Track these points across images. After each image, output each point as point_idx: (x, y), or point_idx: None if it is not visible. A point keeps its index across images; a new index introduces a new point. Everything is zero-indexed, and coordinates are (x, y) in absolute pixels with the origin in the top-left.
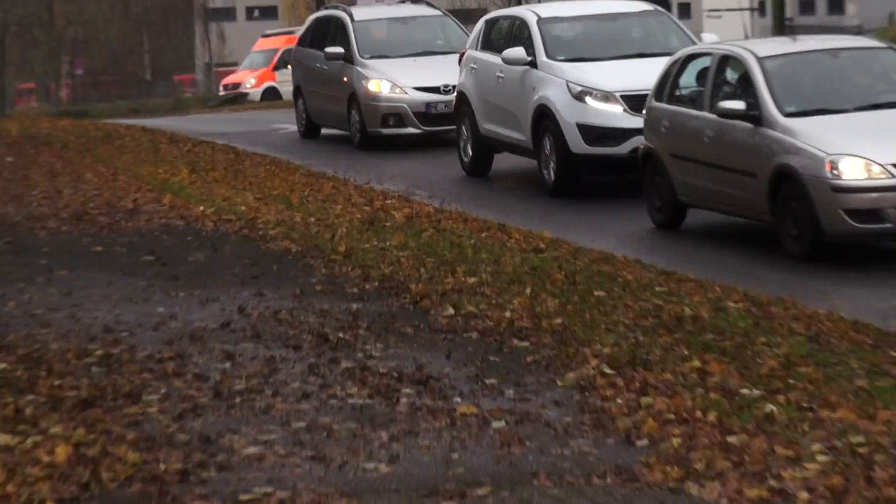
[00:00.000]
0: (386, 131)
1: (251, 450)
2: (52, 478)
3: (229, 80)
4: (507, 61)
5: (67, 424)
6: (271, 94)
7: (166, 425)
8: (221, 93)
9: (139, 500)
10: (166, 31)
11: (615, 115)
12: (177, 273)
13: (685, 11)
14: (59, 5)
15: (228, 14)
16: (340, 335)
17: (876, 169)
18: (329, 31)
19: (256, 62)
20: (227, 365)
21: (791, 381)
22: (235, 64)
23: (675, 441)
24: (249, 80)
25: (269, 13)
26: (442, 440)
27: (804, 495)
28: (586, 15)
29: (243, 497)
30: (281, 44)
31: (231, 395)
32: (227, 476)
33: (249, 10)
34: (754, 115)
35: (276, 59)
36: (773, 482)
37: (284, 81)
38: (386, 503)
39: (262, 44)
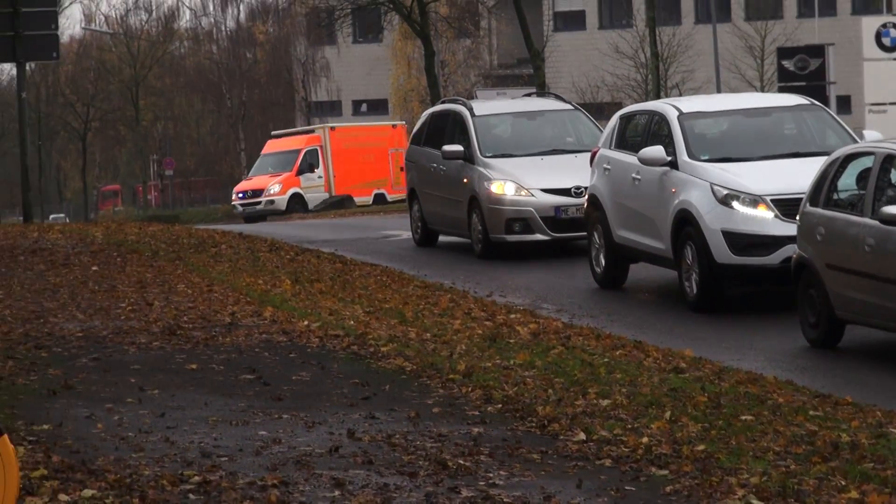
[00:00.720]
0: (511, 238)
1: None
2: None
3: (244, 186)
4: (644, 161)
5: None
6: (297, 202)
7: None
8: (234, 201)
9: None
10: (264, 126)
11: (765, 221)
12: (280, 393)
13: (844, 105)
14: (146, 99)
15: (333, 108)
16: (460, 462)
17: None
18: (447, 128)
19: (274, 166)
20: (337, 493)
21: None
22: None
23: None
24: (273, 187)
25: (377, 107)
26: None
27: None
28: (733, 109)
29: None
30: (303, 144)
31: None
32: None
33: (356, 104)
34: None
35: (298, 161)
36: None
37: (310, 187)
38: None
39: (273, 146)
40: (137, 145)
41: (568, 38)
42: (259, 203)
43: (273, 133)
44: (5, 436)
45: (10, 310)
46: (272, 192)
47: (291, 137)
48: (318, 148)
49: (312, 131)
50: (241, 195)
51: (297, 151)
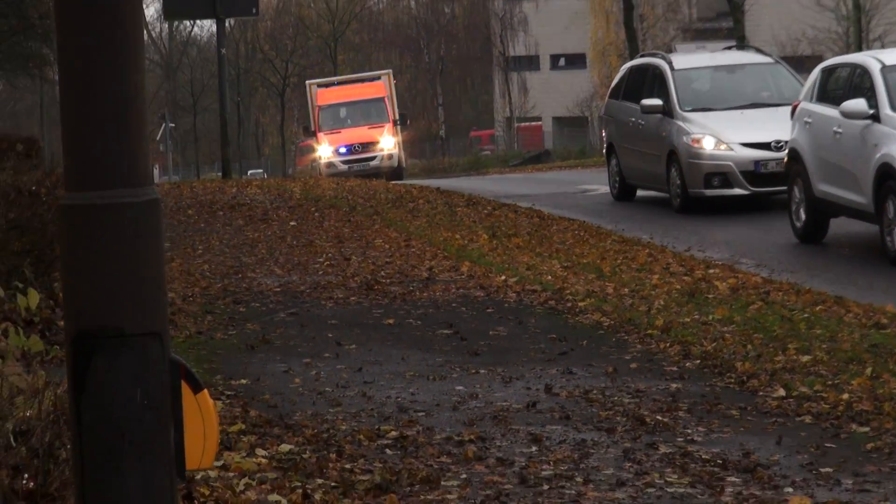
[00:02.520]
0: (709, 192)
1: None
2: None
3: (342, 139)
4: (846, 114)
5: None
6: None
7: None
8: (328, 158)
9: None
10: (462, 82)
11: None
12: (476, 348)
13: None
14: (344, 55)
15: (531, 63)
16: (658, 418)
17: None
18: (646, 82)
19: (353, 118)
20: (534, 449)
21: None
22: (538, 119)
23: None
24: (387, 140)
25: (576, 61)
26: None
27: None
28: None
29: None
30: (382, 92)
31: (538, 482)
32: None
33: (554, 59)
34: None
35: (391, 112)
36: None
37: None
38: None
39: (338, 94)
40: None
41: None
42: (373, 159)
43: (318, 82)
44: (205, 391)
45: (209, 265)
46: (386, 146)
47: (359, 85)
48: (386, 98)
49: (378, 77)
50: (344, 150)
51: (381, 100)
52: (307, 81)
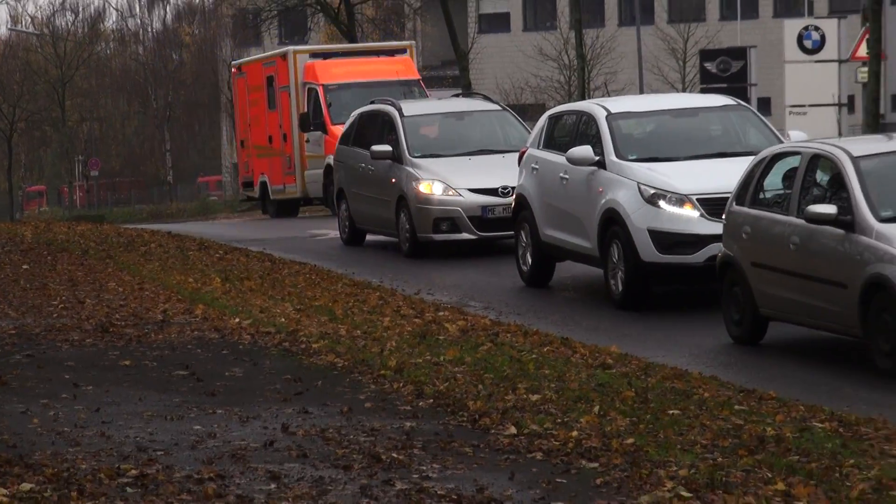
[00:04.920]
0: (438, 237)
1: None
2: None
3: None
4: (572, 161)
5: None
6: None
7: None
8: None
9: None
10: (190, 127)
11: (691, 220)
12: (213, 389)
13: (764, 107)
14: (72, 100)
15: None
16: (394, 455)
17: None
18: (376, 128)
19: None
20: (273, 486)
21: None
22: None
23: None
24: None
25: None
26: None
27: None
28: (661, 110)
29: None
30: (410, 73)
31: None
32: None
33: None
34: (846, 220)
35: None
36: None
37: None
38: None
39: (345, 71)
40: (63, 146)
41: (493, 40)
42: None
43: (310, 50)
44: None
45: None
46: None
47: (378, 60)
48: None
49: (403, 51)
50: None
51: (409, 84)
52: (291, 49)
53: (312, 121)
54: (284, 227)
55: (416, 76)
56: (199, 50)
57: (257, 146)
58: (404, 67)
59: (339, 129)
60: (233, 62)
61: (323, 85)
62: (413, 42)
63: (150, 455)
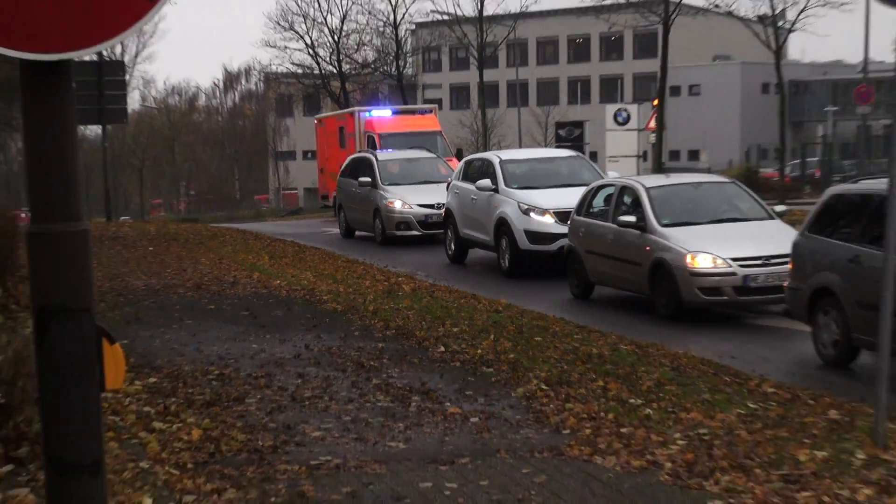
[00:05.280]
0: (398, 233)
1: (316, 433)
2: (190, 449)
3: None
4: (479, 188)
5: (198, 417)
6: None
7: (261, 418)
8: None
9: (245, 463)
10: (249, 166)
11: (549, 224)
12: (263, 322)
13: (594, 157)
14: (179, 149)
15: (292, 155)
16: (372, 363)
17: (720, 261)
18: (360, 167)
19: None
20: (299, 381)
21: (661, 394)
22: (295, 188)
23: (587, 431)
24: None
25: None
26: (438, 429)
27: (668, 464)
28: (532, 158)
29: (312, 462)
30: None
31: (302, 400)
32: (302, 450)
33: (304, 153)
34: (641, 225)
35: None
36: (649, 457)
37: None
38: (403, 468)
39: (395, 124)
40: (173, 176)
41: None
42: None
43: (366, 109)
44: (117, 343)
45: (100, 272)
46: None
47: (409, 117)
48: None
49: (430, 111)
50: None
51: (434, 133)
52: (357, 109)
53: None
54: (307, 225)
55: (439, 128)
56: (255, 118)
57: (332, 173)
58: (431, 122)
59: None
60: (315, 117)
61: (378, 133)
62: (436, 105)
63: (226, 362)
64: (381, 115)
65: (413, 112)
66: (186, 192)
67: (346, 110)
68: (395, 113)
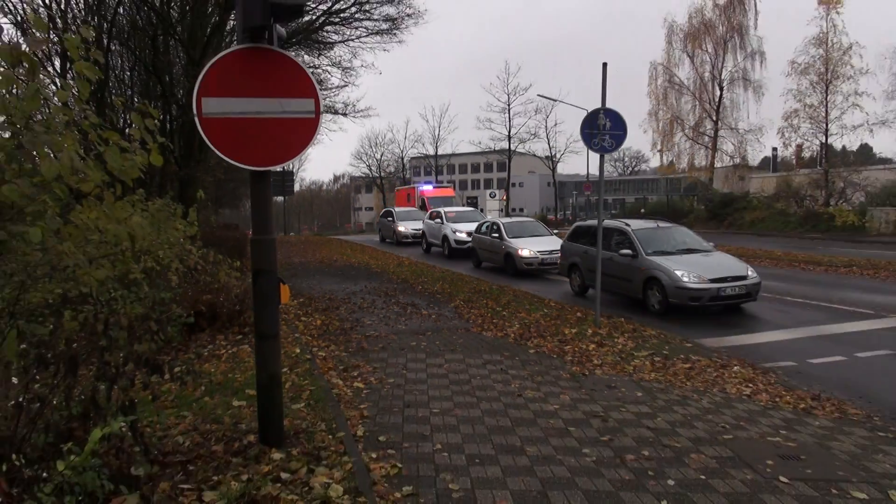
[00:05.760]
0: (404, 241)
1: (368, 322)
2: (317, 328)
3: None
4: (430, 218)
5: (319, 315)
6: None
7: (345, 316)
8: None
9: (339, 334)
10: (342, 207)
11: (464, 237)
12: (347, 277)
13: (482, 210)
14: (315, 206)
15: (358, 209)
16: (391, 293)
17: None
18: (388, 212)
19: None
20: (361, 300)
21: (509, 306)
22: (361, 222)
23: (479, 321)
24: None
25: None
26: (418, 320)
27: (512, 335)
28: (461, 210)
29: (366, 334)
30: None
31: (362, 308)
32: (362, 329)
33: (365, 207)
34: (496, 237)
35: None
36: (504, 332)
37: None
38: (404, 335)
39: (436, 192)
40: (313, 216)
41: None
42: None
43: (414, 184)
44: (286, 285)
45: (279, 256)
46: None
47: (440, 188)
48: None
49: (450, 186)
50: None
51: (452, 198)
52: (416, 185)
53: (423, 209)
54: (364, 237)
55: (453, 194)
56: (345, 194)
57: None
58: (451, 191)
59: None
60: (396, 187)
61: (427, 197)
62: (453, 184)
63: (332, 293)
64: (427, 188)
65: (440, 185)
66: (317, 223)
67: (409, 186)
68: (434, 187)
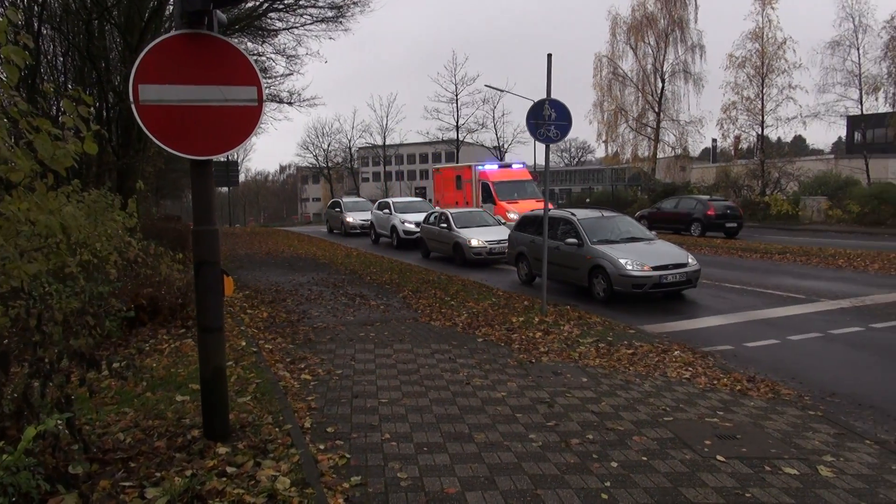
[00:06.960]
0: (352, 232)
1: (316, 314)
2: (263, 320)
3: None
4: (378, 208)
5: (267, 307)
6: None
7: (292, 308)
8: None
9: (286, 326)
10: (289, 198)
11: (412, 227)
12: (294, 268)
13: (430, 201)
14: (262, 197)
15: (305, 199)
16: (339, 284)
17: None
18: (336, 203)
19: (520, 192)
20: (308, 292)
21: (458, 296)
22: (308, 213)
23: (428, 311)
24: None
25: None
26: (368, 310)
27: (460, 324)
28: (408, 200)
29: (314, 326)
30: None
31: (310, 300)
32: (309, 320)
33: (311, 199)
34: (444, 227)
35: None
36: (453, 321)
37: None
38: (352, 326)
39: (503, 174)
40: (259, 207)
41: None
42: None
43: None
44: (230, 277)
45: (223, 247)
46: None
47: (511, 170)
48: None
49: (524, 164)
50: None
51: (530, 181)
52: (474, 164)
53: (486, 198)
54: (311, 228)
55: (530, 178)
56: (292, 184)
57: (446, 205)
58: (527, 172)
59: (502, 203)
60: (435, 167)
61: (493, 182)
62: (525, 162)
63: (279, 285)
64: (492, 168)
65: (509, 165)
66: (263, 214)
67: (462, 164)
68: (501, 168)
